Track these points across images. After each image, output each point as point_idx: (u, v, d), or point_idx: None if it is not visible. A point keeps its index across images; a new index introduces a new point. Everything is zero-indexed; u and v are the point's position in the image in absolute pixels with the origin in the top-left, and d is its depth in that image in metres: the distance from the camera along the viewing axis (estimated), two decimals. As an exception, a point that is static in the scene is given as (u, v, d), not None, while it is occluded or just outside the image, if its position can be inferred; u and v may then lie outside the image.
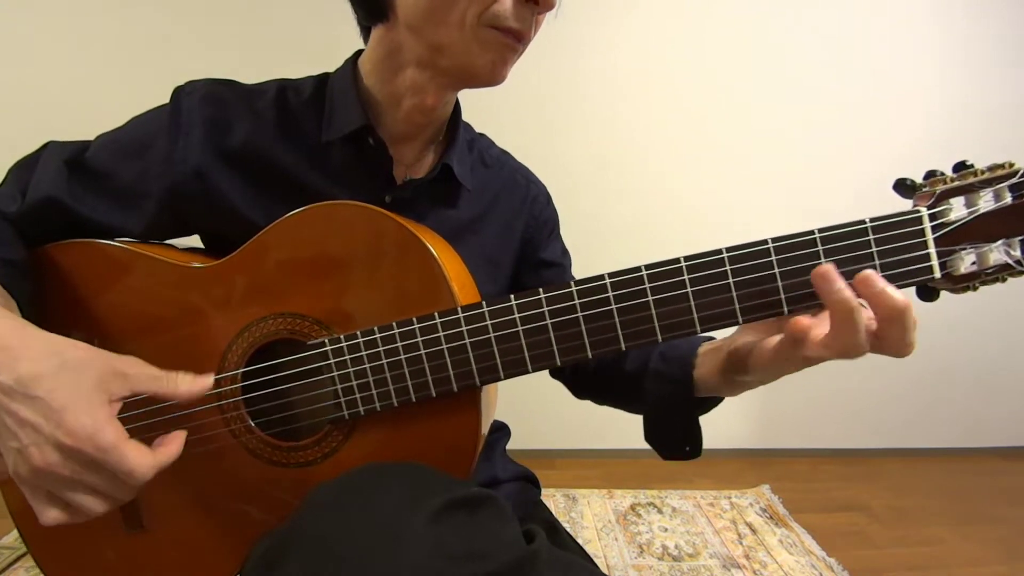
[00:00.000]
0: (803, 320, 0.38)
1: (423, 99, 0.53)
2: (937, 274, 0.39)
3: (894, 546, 1.35)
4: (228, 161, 0.53)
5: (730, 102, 1.65)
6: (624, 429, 1.79)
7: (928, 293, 0.41)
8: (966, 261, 0.39)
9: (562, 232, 0.73)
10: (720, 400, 0.55)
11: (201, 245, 0.60)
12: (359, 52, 0.58)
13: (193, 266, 0.51)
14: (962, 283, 0.40)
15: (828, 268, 0.37)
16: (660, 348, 0.55)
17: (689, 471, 1.65)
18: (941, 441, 1.84)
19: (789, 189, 1.68)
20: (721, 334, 0.49)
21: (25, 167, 0.54)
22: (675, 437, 0.57)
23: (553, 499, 1.51)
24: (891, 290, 0.36)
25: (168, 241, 0.59)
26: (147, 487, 0.50)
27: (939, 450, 1.84)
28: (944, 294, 0.41)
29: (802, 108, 1.65)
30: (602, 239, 1.61)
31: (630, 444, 1.70)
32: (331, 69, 0.60)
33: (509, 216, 0.65)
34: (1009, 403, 1.83)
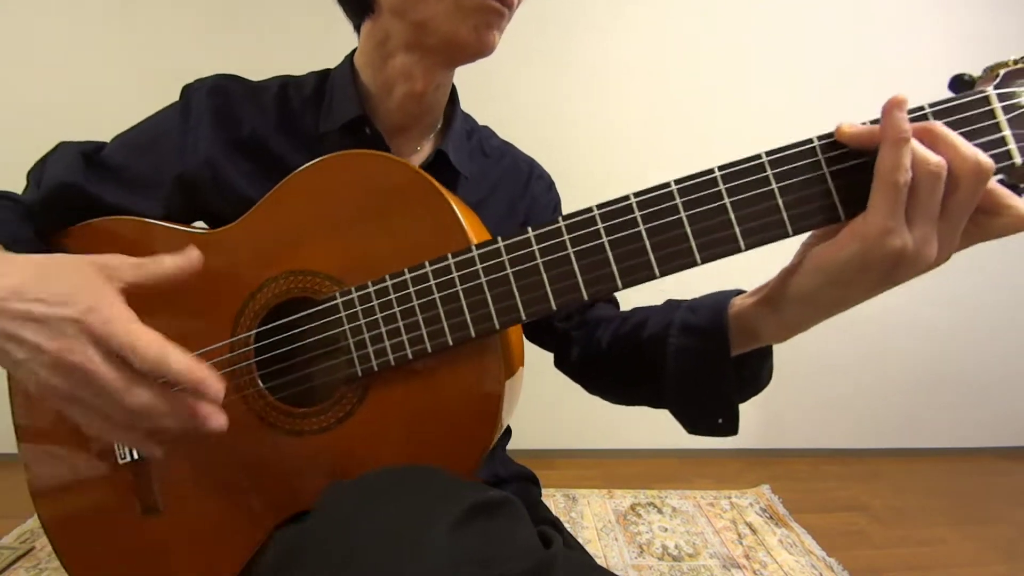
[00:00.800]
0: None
1: (413, 85, 0.54)
2: (1017, 159, 0.34)
3: (894, 546, 1.35)
4: (235, 150, 0.55)
5: (731, 100, 1.65)
6: (624, 429, 1.79)
7: (1012, 191, 0.35)
8: None
9: None
10: (763, 378, 0.49)
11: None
12: (356, 49, 0.59)
13: (202, 232, 0.52)
14: None
15: (900, 97, 0.33)
16: (687, 303, 0.50)
17: (689, 471, 1.65)
18: (941, 441, 1.84)
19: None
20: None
21: (39, 165, 0.57)
22: (706, 404, 0.49)
23: (553, 499, 1.51)
24: (962, 141, 0.32)
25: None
26: (162, 465, 0.50)
27: (939, 450, 1.83)
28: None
29: (804, 109, 1.65)
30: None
31: (630, 444, 1.70)
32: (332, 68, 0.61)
33: (511, 199, 0.65)
34: (1009, 403, 1.83)
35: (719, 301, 0.47)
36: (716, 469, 1.68)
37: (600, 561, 1.26)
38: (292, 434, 0.47)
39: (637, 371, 0.55)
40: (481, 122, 0.70)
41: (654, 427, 1.67)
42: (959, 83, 0.37)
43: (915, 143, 0.33)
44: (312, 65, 0.63)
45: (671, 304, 0.53)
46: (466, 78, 0.64)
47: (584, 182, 1.64)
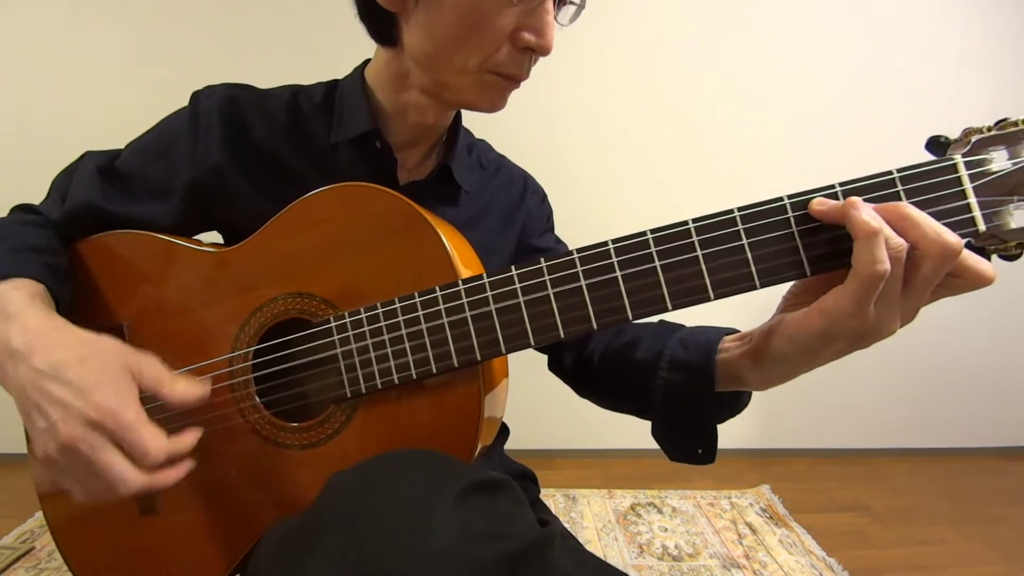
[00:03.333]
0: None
1: (424, 117, 0.57)
2: (981, 227, 0.35)
3: (894, 546, 1.35)
4: (244, 159, 0.56)
5: (735, 105, 1.64)
6: (624, 429, 1.78)
7: (979, 253, 0.37)
8: (1016, 217, 0.35)
9: (564, 237, 0.74)
10: (741, 403, 0.52)
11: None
12: (367, 61, 0.61)
13: (209, 250, 0.54)
14: (1014, 240, 0.35)
15: (855, 199, 0.35)
16: (680, 335, 0.52)
17: (689, 471, 1.65)
18: (941, 441, 1.84)
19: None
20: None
21: (64, 177, 0.59)
22: (688, 436, 0.52)
23: (553, 499, 1.51)
24: (925, 218, 0.33)
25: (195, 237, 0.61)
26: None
27: (939, 450, 1.83)
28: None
29: (809, 109, 1.64)
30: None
31: (630, 444, 1.70)
32: (340, 75, 0.62)
33: (508, 210, 0.68)
34: (1009, 403, 1.83)
35: (710, 342, 0.49)
36: (716, 469, 1.68)
37: (600, 561, 1.26)
38: (284, 447, 0.49)
39: (626, 389, 0.58)
40: (481, 133, 0.72)
41: (654, 427, 1.67)
42: (935, 145, 0.38)
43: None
44: (320, 71, 0.64)
45: (664, 327, 0.55)
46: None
47: (589, 189, 1.65)
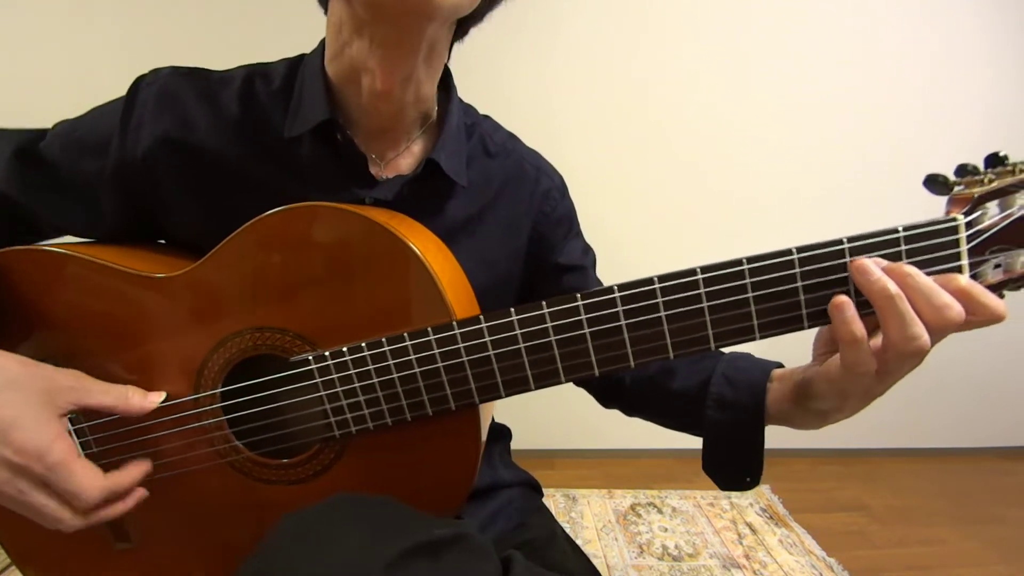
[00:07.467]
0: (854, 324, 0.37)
1: (373, 81, 0.46)
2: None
3: (894, 546, 1.35)
4: (181, 161, 0.48)
5: (741, 109, 1.63)
6: (624, 429, 1.78)
7: None
8: (992, 268, 0.37)
9: None
10: None
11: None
12: None
13: (159, 276, 0.46)
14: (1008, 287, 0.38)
15: (863, 261, 0.37)
16: (721, 369, 0.51)
17: (689, 471, 1.65)
18: (941, 441, 1.84)
19: (802, 199, 1.65)
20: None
21: None
22: (738, 467, 0.51)
23: (553, 499, 1.51)
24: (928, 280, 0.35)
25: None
26: (137, 504, 0.48)
27: (939, 450, 1.83)
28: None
29: (818, 114, 1.63)
30: (608, 249, 1.60)
31: (630, 444, 1.70)
32: None
33: (514, 212, 0.57)
34: (1009, 403, 1.83)
35: (758, 381, 0.49)
36: (716, 469, 1.68)
37: (599, 561, 1.26)
38: (268, 483, 0.47)
39: (664, 415, 0.58)
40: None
41: (654, 427, 1.66)
42: (934, 183, 0.39)
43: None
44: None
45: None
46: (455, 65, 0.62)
47: (594, 193, 1.63)
